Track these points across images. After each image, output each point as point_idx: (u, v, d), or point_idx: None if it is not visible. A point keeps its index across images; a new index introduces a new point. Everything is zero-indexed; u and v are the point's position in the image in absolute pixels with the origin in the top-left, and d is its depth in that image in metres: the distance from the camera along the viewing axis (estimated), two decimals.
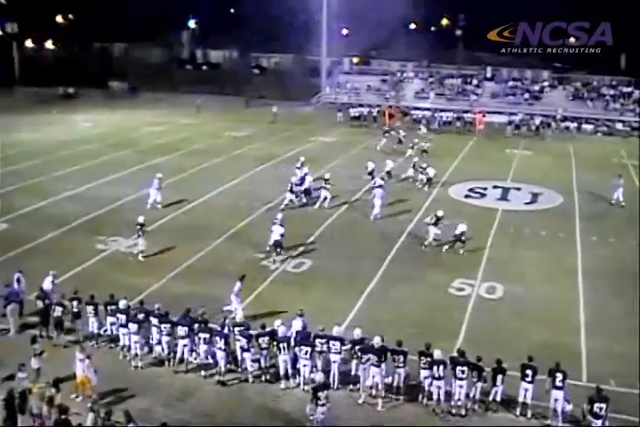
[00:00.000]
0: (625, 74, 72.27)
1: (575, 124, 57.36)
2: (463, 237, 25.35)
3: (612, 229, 28.64)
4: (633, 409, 15.36)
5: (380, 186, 29.70)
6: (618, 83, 67.69)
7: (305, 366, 16.31)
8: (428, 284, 22.55)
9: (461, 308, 20.90)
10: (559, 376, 15.12)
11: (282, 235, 24.07)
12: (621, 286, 22.61)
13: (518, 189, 33.56)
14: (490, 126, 54.09)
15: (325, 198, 30.27)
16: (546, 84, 67.86)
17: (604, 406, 14.40)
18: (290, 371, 16.49)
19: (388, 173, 34.62)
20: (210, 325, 17.23)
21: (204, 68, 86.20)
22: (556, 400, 15.10)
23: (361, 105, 60.76)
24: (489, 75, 69.67)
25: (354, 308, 20.55)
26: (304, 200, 30.86)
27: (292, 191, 30.46)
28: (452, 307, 21.00)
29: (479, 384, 15.66)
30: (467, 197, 33.12)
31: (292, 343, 16.50)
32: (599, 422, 14.48)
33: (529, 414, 15.43)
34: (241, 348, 16.72)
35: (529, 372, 15.31)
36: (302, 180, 31.74)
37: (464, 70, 70.74)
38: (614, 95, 65.52)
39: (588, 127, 57.03)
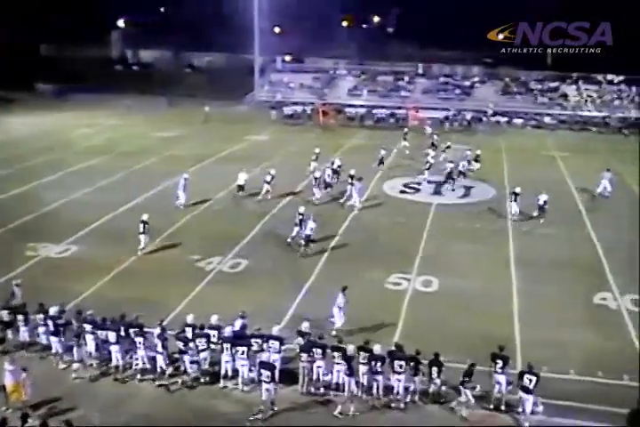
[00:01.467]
0: (552, 69, 74.29)
1: (505, 119, 58.59)
2: (546, 206, 28.37)
3: (538, 218, 29.34)
4: (566, 395, 15.81)
5: (360, 179, 30.88)
6: (545, 77, 69.51)
7: (243, 365, 16.22)
8: (365, 280, 22.63)
9: (398, 302, 21.10)
10: (499, 363, 15.57)
11: (312, 229, 24.97)
12: (552, 275, 23.23)
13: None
14: (423, 121, 54.67)
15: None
16: (476, 79, 69.15)
17: (534, 378, 14.87)
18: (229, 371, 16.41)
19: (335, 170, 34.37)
20: (146, 329, 16.93)
21: (135, 68, 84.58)
22: (499, 384, 15.50)
23: (294, 103, 60.74)
24: (420, 71, 70.61)
25: (292, 306, 20.51)
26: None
27: (321, 186, 31.59)
28: (389, 302, 21.18)
29: (417, 378, 15.84)
30: (402, 192, 33.48)
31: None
32: (530, 397, 14.92)
33: (503, 407, 15.63)
34: (179, 350, 16.51)
35: (499, 362, 15.58)
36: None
37: (396, 67, 71.43)
38: (542, 90, 67.25)
39: (518, 121, 58.29)
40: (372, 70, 70.73)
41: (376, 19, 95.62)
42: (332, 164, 34.17)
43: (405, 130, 45.74)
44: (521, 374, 15.30)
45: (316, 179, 31.83)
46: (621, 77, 68.37)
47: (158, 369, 16.54)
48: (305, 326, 16.97)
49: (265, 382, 15.18)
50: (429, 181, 34.77)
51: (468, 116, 57.57)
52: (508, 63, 73.66)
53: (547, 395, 15.48)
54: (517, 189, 29.27)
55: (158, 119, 55.08)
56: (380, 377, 15.73)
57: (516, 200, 29.21)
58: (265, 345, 16.36)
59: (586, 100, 64.32)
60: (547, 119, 59.22)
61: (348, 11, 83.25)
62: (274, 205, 30.64)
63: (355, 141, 47.17)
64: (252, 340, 16.42)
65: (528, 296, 21.62)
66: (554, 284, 22.54)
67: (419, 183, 34.71)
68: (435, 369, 15.66)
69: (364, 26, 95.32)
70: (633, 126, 57.71)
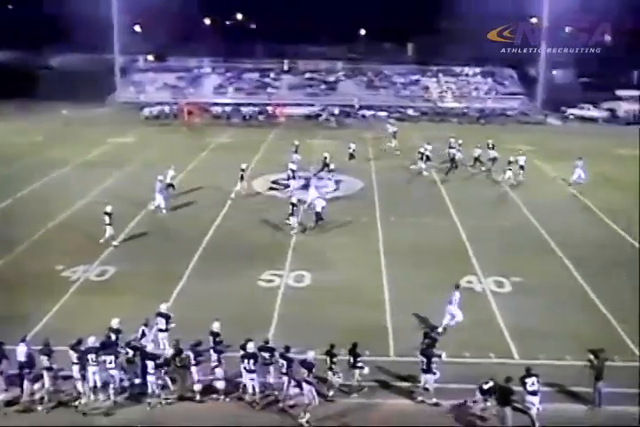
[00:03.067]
0: (413, 62, 76.76)
1: (371, 112, 59.85)
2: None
3: (408, 209, 30.12)
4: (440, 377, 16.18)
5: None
6: (407, 71, 71.68)
7: (112, 376, 15.57)
8: (237, 278, 22.39)
9: (271, 299, 21.01)
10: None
11: (323, 207, 27.10)
12: (420, 262, 23.89)
13: (320, 178, 34.31)
14: (292, 118, 55.03)
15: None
16: (340, 74, 70.29)
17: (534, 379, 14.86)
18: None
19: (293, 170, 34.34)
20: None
21: None
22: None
23: (159, 103, 59.38)
24: (286, 67, 70.96)
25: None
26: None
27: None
28: (262, 299, 21.04)
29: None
30: (270, 189, 33.41)
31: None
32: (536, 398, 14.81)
33: (432, 401, 15.73)
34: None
35: (424, 359, 15.70)
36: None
37: (262, 64, 71.42)
38: (404, 83, 69.32)
39: (383, 114, 59.66)
40: (238, 68, 70.41)
41: (240, 16, 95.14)
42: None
43: (395, 129, 45.26)
44: (522, 379, 14.90)
45: (292, 171, 33.09)
46: (478, 70, 71.63)
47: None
48: (215, 327, 16.68)
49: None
50: (298, 177, 34.89)
51: (336, 110, 58.43)
52: (371, 58, 75.58)
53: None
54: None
55: (14, 123, 52.17)
56: (254, 375, 15.57)
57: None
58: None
59: (445, 92, 66.92)
60: (410, 112, 60.99)
61: (212, 8, 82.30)
62: (141, 208, 29.73)
63: (222, 140, 46.64)
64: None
65: (398, 284, 22.10)
66: (422, 270, 23.17)
67: (288, 179, 34.77)
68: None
69: (228, 23, 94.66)
70: (489, 116, 60.59)
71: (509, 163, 34.87)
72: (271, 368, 15.84)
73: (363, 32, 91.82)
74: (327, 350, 15.97)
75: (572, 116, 61.83)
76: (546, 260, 24.64)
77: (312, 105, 60.07)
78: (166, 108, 57.41)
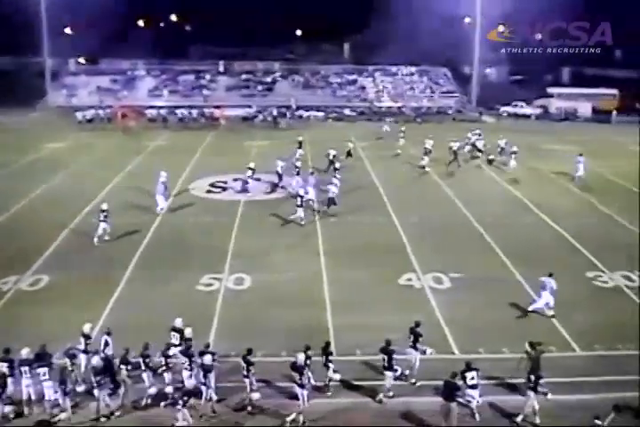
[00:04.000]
0: (349, 62, 77.22)
1: (308, 113, 59.90)
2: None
3: (347, 208, 30.18)
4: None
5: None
6: (343, 71, 72.04)
7: (48, 387, 15.14)
8: (176, 283, 22.08)
9: (211, 303, 20.78)
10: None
11: (334, 193, 29.07)
12: (360, 261, 23.96)
13: (258, 179, 34.11)
14: (230, 119, 54.62)
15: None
16: (277, 75, 70.17)
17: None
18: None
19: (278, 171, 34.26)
20: None
21: None
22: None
23: (91, 107, 58.10)
24: (222, 69, 70.46)
25: (100, 318, 19.49)
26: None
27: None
28: (202, 303, 20.77)
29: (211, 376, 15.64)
30: (208, 192, 33.06)
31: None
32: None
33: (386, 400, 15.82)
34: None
35: (385, 357, 15.78)
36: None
37: (197, 66, 70.73)
38: (341, 83, 69.63)
39: (320, 114, 59.78)
40: (173, 70, 69.57)
41: (174, 17, 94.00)
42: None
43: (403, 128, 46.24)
44: (528, 374, 15.28)
45: (297, 167, 33.48)
46: (413, 69, 72.50)
47: None
48: (188, 333, 16.58)
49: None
50: (236, 179, 34.65)
51: (274, 111, 58.28)
52: (308, 58, 75.69)
53: (366, 377, 16.27)
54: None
55: None
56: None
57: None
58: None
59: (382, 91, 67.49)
60: (346, 111, 61.27)
61: (145, 9, 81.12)
62: (74, 214, 29.06)
63: (158, 143, 45.96)
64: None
65: (339, 283, 22.13)
66: (362, 269, 23.25)
67: (225, 182, 34.50)
68: (244, 366, 15.55)
69: (162, 24, 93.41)
70: (425, 115, 61.38)
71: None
72: (212, 373, 15.65)
73: (299, 33, 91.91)
74: (322, 349, 16.14)
75: (505, 114, 63.11)
76: (483, 254, 25.06)
77: (249, 106, 59.74)
78: (100, 112, 56.26)
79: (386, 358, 15.80)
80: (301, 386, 15.06)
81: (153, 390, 15.50)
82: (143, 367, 15.65)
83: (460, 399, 15.07)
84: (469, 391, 15.14)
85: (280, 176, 33.94)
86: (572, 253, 25.33)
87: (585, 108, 64.20)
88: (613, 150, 43.62)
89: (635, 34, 53.44)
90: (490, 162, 39.70)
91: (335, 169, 33.76)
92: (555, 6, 56.53)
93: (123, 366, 15.48)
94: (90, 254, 24.67)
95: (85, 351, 16.30)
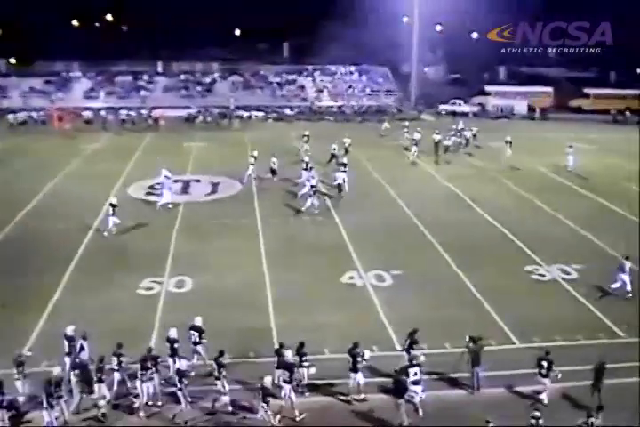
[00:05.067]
0: (289, 62, 77.11)
1: (248, 113, 59.57)
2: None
3: (288, 209, 30.17)
4: (325, 373, 16.30)
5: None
6: (283, 71, 71.89)
7: None
8: (116, 288, 21.64)
9: (152, 307, 20.46)
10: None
11: (343, 179, 31.57)
12: (302, 261, 23.95)
13: (198, 180, 33.80)
14: (169, 120, 53.90)
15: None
16: (216, 75, 69.61)
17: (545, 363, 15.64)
18: None
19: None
20: None
21: None
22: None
23: (23, 109, 56.45)
24: (160, 69, 69.52)
25: (37, 326, 18.99)
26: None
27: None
28: (142, 307, 20.46)
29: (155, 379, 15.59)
30: (148, 194, 32.51)
31: None
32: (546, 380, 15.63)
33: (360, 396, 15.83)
34: None
35: (351, 359, 15.76)
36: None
37: (134, 66, 69.54)
38: (280, 83, 69.47)
39: (260, 114, 59.53)
40: (109, 71, 68.24)
41: (110, 17, 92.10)
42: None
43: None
44: (538, 361, 15.81)
45: (305, 162, 33.96)
46: (352, 68, 72.85)
47: None
48: (172, 334, 16.41)
49: None
50: (176, 181, 34.19)
51: (215, 111, 57.83)
52: (247, 58, 75.27)
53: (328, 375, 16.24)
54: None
55: None
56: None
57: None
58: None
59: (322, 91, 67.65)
60: (287, 111, 61.18)
61: (79, 9, 79.33)
62: (9, 220, 28.23)
63: (95, 146, 44.95)
64: None
65: (281, 284, 22.04)
66: (305, 269, 23.25)
67: (272, 173, 34.40)
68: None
69: (98, 24, 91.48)
70: (365, 113, 61.77)
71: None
72: (155, 378, 15.42)
73: (238, 32, 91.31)
74: (296, 349, 16.00)
75: (444, 112, 63.98)
76: (424, 251, 25.35)
77: (189, 107, 59.07)
78: (34, 114, 54.78)
79: (351, 359, 15.79)
80: (289, 382, 15.18)
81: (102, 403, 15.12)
82: (116, 368, 15.48)
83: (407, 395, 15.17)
84: (412, 387, 15.25)
85: (274, 172, 34.43)
86: (511, 248, 25.81)
87: (521, 106, 65.61)
88: (549, 147, 44.62)
89: (566, 33, 54.73)
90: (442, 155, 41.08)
91: (343, 164, 34.04)
92: (491, 6, 57.69)
93: (72, 373, 15.15)
94: (25, 260, 24.00)
95: (69, 354, 16.11)
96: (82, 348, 16.21)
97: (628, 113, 62.57)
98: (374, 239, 26.39)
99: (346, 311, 20.10)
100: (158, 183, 33.89)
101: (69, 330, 16.44)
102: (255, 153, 35.06)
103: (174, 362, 16.09)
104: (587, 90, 69.43)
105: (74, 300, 20.82)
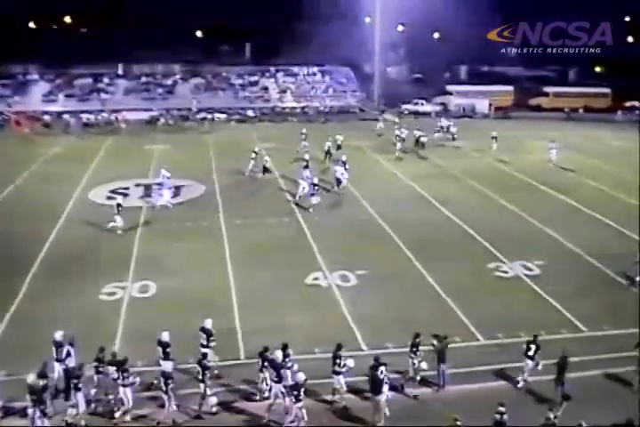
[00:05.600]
0: (251, 63, 76.77)
1: (210, 115, 59.08)
2: None
3: (252, 211, 30.00)
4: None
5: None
6: (245, 72, 71.55)
7: None
8: (78, 294, 21.30)
9: (115, 312, 20.19)
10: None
11: (342, 174, 33.05)
12: (267, 263, 23.81)
13: (160, 184, 33.39)
14: (130, 123, 53.28)
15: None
16: (178, 77, 69.03)
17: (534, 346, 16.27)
18: None
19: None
20: None
21: None
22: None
23: None
24: (120, 72, 68.67)
25: None
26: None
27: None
28: (105, 313, 20.18)
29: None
30: (109, 198, 31.98)
31: None
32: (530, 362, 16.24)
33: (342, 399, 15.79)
34: None
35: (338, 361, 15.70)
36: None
37: (94, 69, 68.53)
38: (243, 84, 69.17)
39: (222, 116, 59.15)
40: (68, 73, 67.16)
41: (68, 19, 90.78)
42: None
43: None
44: (527, 344, 16.52)
45: (305, 160, 34.89)
46: (315, 69, 72.82)
47: None
48: (164, 337, 16.35)
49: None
50: (137, 184, 33.82)
51: (177, 114, 57.36)
52: (209, 60, 74.75)
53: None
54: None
55: None
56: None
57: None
58: None
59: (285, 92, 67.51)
60: (249, 113, 60.92)
61: (36, 10, 78.00)
62: None
63: (55, 150, 44.17)
64: None
65: (246, 286, 21.95)
66: (269, 271, 23.10)
67: (127, 188, 33.60)
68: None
69: (55, 26, 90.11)
70: (328, 114, 61.80)
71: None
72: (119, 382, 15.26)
73: (199, 34, 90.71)
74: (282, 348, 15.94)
75: (406, 111, 64.26)
76: (388, 250, 25.41)
77: (151, 110, 58.43)
78: None
79: (334, 362, 15.76)
80: (278, 382, 15.22)
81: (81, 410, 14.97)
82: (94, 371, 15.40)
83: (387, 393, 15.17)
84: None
85: (267, 170, 35.14)
86: (474, 246, 26.03)
87: (482, 105, 66.22)
88: (512, 145, 45.14)
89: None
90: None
91: (343, 162, 34.64)
92: (453, 6, 58.11)
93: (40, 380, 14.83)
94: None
95: (58, 360, 15.93)
96: (68, 354, 16.05)
97: (581, 111, 63.42)
98: (339, 240, 26.39)
99: (311, 312, 20.08)
100: (121, 187, 33.59)
101: (58, 335, 16.25)
102: (256, 149, 36.74)
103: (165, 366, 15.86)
104: (546, 88, 70.46)
105: (34, 307, 20.44)
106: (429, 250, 25.07)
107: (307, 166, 33.98)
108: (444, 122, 50.24)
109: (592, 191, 34.09)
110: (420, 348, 16.59)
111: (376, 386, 15.08)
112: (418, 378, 16.53)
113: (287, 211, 30.32)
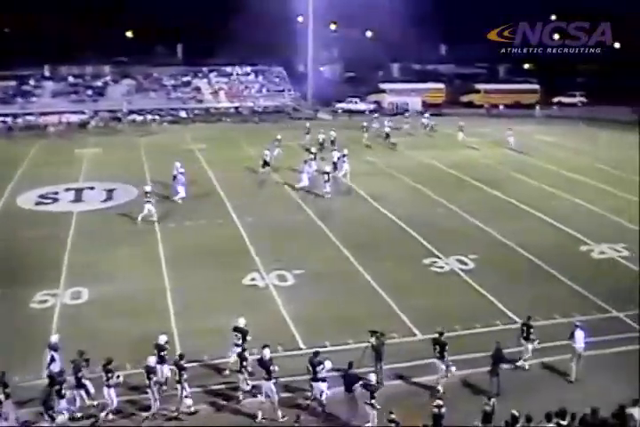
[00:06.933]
0: (184, 64, 75.85)
1: (142, 117, 58.19)
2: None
3: (186, 213, 29.64)
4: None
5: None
6: (177, 73, 70.63)
7: None
8: (7, 303, 20.69)
9: (47, 320, 19.65)
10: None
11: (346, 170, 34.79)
12: (203, 265, 23.59)
13: (92, 188, 32.71)
14: (59, 126, 51.99)
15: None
16: (108, 78, 67.64)
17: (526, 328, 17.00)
18: None
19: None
20: None
21: None
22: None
23: None
24: (47, 73, 66.86)
25: None
26: None
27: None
28: (36, 322, 19.61)
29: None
30: (38, 204, 31.16)
31: None
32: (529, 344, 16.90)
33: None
34: None
35: (316, 369, 15.38)
36: None
37: (19, 71, 66.49)
38: (175, 85, 68.26)
39: (155, 118, 58.30)
40: None
41: None
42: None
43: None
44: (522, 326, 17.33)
45: (312, 153, 36.84)
46: (248, 69, 72.42)
47: None
48: (162, 340, 16.23)
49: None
50: (68, 189, 32.96)
51: (107, 116, 56.22)
52: (140, 61, 73.51)
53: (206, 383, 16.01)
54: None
55: None
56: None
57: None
58: None
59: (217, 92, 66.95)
60: (182, 114, 60.21)
61: None
62: None
63: None
64: None
65: (182, 289, 21.69)
66: (205, 273, 22.90)
67: (56, 193, 32.73)
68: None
69: None
70: (263, 114, 61.59)
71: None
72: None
73: (129, 34, 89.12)
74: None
75: (340, 110, 64.53)
76: (324, 249, 25.45)
77: (80, 112, 57.08)
78: None
79: (311, 369, 15.48)
80: (268, 379, 15.09)
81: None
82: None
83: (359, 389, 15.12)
84: (318, 385, 15.29)
85: (267, 163, 35.28)
86: (410, 242, 26.27)
87: (415, 103, 66.96)
88: (445, 142, 45.86)
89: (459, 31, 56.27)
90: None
91: (343, 155, 35.76)
92: (385, 5, 58.68)
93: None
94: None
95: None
96: (52, 359, 15.81)
97: (501, 107, 64.62)
98: (275, 239, 26.28)
99: (249, 313, 19.72)
100: (50, 192, 32.71)
101: (54, 339, 16.10)
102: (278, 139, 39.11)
103: (161, 369, 15.71)
104: (477, 85, 71.77)
105: None
106: (365, 247, 25.21)
107: (314, 159, 35.84)
108: (425, 120, 51.67)
109: (523, 185, 34.85)
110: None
111: (348, 383, 15.09)
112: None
113: (221, 211, 30.04)
